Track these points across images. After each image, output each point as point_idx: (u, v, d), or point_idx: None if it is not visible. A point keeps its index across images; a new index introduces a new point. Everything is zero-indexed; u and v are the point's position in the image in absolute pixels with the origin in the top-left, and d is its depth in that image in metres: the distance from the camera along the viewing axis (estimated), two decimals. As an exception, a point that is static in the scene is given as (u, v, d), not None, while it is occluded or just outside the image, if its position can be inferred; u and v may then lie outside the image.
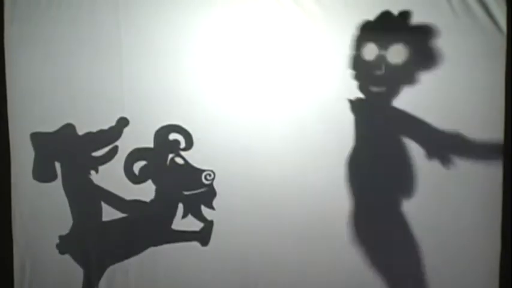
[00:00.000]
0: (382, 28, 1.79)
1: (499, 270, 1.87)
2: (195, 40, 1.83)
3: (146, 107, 1.84)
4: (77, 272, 1.92)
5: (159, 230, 1.89)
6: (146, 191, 1.87)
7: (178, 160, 1.84)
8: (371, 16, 1.80)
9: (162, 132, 1.84)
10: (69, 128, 1.84)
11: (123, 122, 1.84)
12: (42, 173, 1.87)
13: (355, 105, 1.82)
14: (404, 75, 1.81)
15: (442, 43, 1.80)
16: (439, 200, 1.86)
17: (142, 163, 1.85)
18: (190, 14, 1.82)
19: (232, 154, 1.85)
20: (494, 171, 1.85)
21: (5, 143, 1.86)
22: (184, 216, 1.88)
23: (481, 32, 1.80)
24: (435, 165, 1.83)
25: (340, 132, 1.84)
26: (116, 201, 1.87)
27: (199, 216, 1.88)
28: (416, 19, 1.80)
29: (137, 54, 1.83)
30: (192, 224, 1.89)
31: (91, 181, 1.87)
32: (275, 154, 1.85)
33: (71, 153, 1.87)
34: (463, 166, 1.84)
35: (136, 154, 1.85)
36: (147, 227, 1.90)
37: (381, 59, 1.80)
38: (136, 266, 1.91)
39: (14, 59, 1.83)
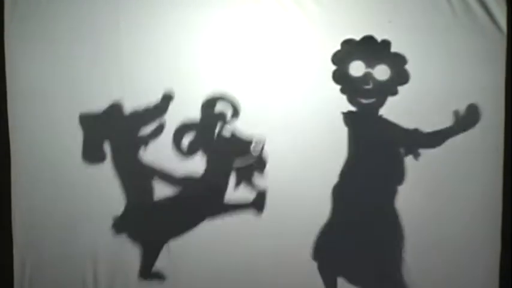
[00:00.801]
0: (366, 49, 1.80)
1: (499, 270, 1.87)
2: (195, 40, 1.84)
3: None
4: (77, 272, 1.92)
5: (213, 203, 1.88)
6: (197, 165, 1.86)
7: (226, 132, 1.84)
8: (370, 16, 1.81)
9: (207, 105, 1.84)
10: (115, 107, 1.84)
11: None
12: (92, 155, 1.86)
13: (346, 117, 1.83)
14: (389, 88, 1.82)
15: (442, 43, 1.80)
16: (439, 201, 1.86)
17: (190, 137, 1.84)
18: (190, 14, 1.83)
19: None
20: (494, 171, 1.85)
21: (5, 142, 1.86)
22: (237, 185, 1.87)
23: (481, 32, 1.80)
24: (435, 166, 1.84)
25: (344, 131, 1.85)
26: (167, 177, 1.86)
27: (252, 184, 1.87)
28: (416, 19, 1.81)
29: (137, 54, 1.84)
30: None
31: (140, 159, 1.86)
32: (273, 151, 1.85)
33: (119, 132, 1.86)
34: (463, 166, 1.84)
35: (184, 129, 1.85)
36: (200, 201, 1.88)
37: (368, 75, 1.81)
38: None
39: (14, 57, 1.83)
